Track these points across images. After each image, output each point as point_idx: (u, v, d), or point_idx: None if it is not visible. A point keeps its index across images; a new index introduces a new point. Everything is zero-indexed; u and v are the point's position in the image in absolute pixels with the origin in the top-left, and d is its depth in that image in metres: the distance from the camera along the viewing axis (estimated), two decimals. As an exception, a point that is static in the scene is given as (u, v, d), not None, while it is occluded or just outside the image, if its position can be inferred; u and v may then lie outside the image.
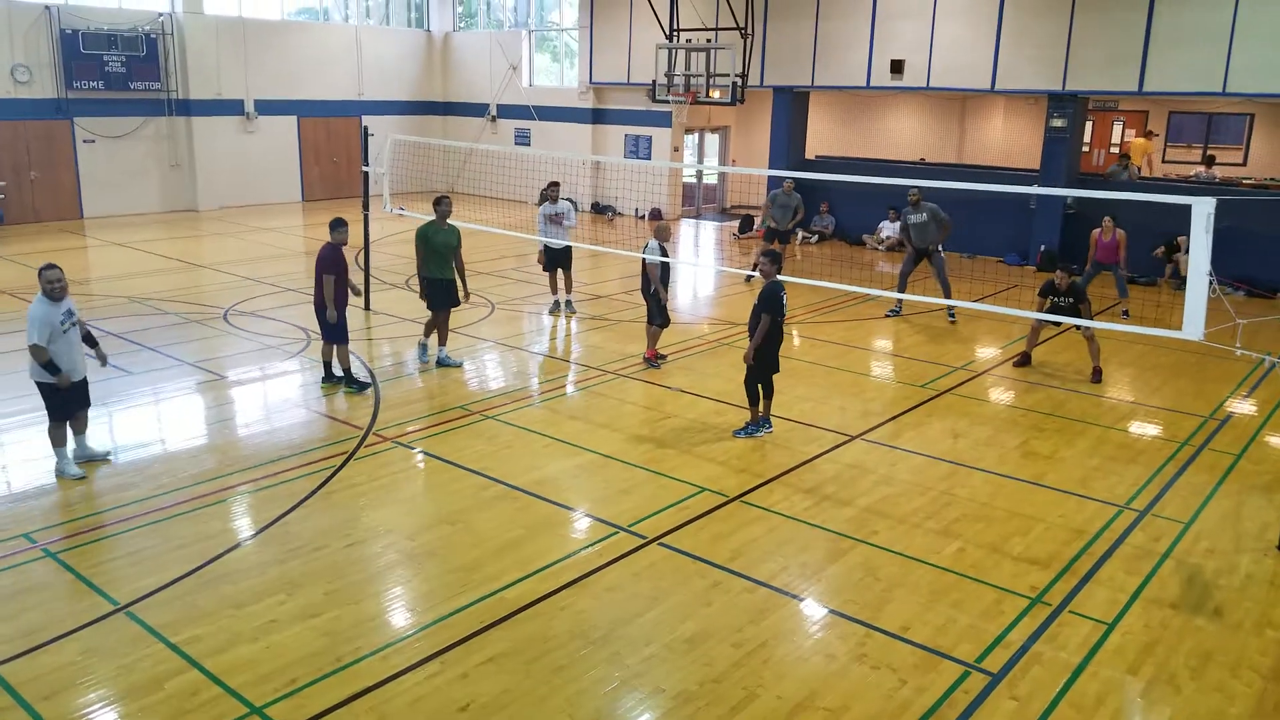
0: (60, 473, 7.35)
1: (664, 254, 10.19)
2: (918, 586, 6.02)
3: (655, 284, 10.13)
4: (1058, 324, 11.10)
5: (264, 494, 7.15)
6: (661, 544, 6.47)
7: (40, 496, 7.01)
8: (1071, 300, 10.48)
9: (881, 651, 5.31)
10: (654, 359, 10.57)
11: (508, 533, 6.60)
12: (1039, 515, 7.09)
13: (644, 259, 10.18)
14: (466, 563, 6.17)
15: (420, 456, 7.97)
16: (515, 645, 5.27)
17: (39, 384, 7.31)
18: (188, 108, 21.32)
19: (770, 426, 8.58)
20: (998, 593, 5.96)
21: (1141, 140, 20.13)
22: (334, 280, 9.03)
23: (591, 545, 6.47)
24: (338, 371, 9.53)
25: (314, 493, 7.15)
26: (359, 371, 9.92)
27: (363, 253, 12.79)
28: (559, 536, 6.66)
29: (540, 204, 12.69)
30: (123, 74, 20.22)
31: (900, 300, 13.07)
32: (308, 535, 6.49)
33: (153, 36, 20.56)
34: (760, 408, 8.56)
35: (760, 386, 8.50)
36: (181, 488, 7.22)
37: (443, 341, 10.45)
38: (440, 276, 10.17)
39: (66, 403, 7.37)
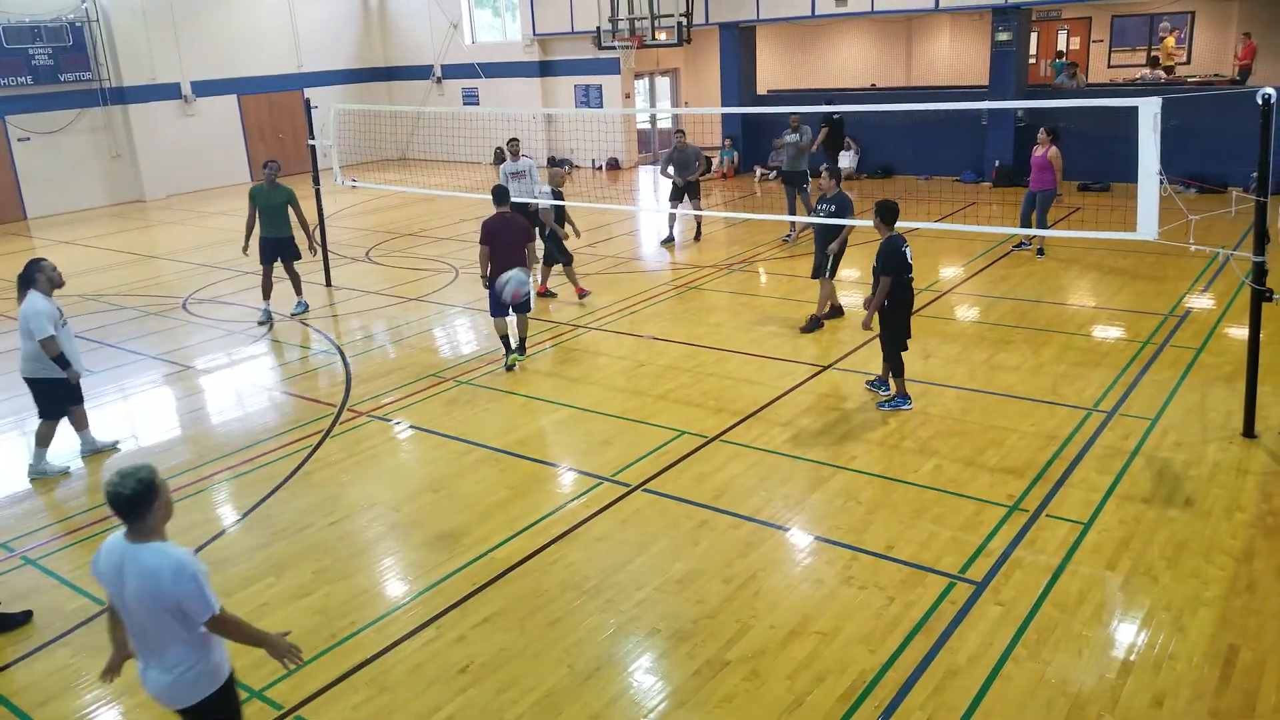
0: (41, 473, 7.26)
1: (558, 198, 11.17)
2: (898, 506, 6.13)
3: (550, 226, 11.04)
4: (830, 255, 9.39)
5: (243, 480, 7.11)
6: (646, 490, 6.53)
7: (13, 505, 6.92)
8: (834, 209, 9.13)
9: (868, 572, 5.42)
10: (581, 294, 11.30)
11: (492, 495, 6.62)
12: (1011, 426, 7.21)
13: (538, 205, 11.10)
14: (453, 528, 6.20)
15: (397, 427, 7.94)
16: (509, 603, 5.32)
17: (34, 381, 7.15)
18: (122, 95, 20.68)
19: (910, 403, 7.62)
20: (976, 504, 6.08)
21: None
22: (482, 251, 8.94)
23: (577, 498, 6.51)
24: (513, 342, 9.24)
25: (293, 474, 7.12)
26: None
27: (318, 229, 12.59)
28: (544, 493, 6.70)
29: (498, 163, 12.63)
30: (51, 66, 19.54)
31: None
32: (291, 516, 6.47)
33: (78, 24, 19.85)
34: (893, 383, 7.66)
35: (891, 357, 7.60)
36: (158, 482, 7.16)
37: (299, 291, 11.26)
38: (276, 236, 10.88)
39: (62, 399, 7.28)
